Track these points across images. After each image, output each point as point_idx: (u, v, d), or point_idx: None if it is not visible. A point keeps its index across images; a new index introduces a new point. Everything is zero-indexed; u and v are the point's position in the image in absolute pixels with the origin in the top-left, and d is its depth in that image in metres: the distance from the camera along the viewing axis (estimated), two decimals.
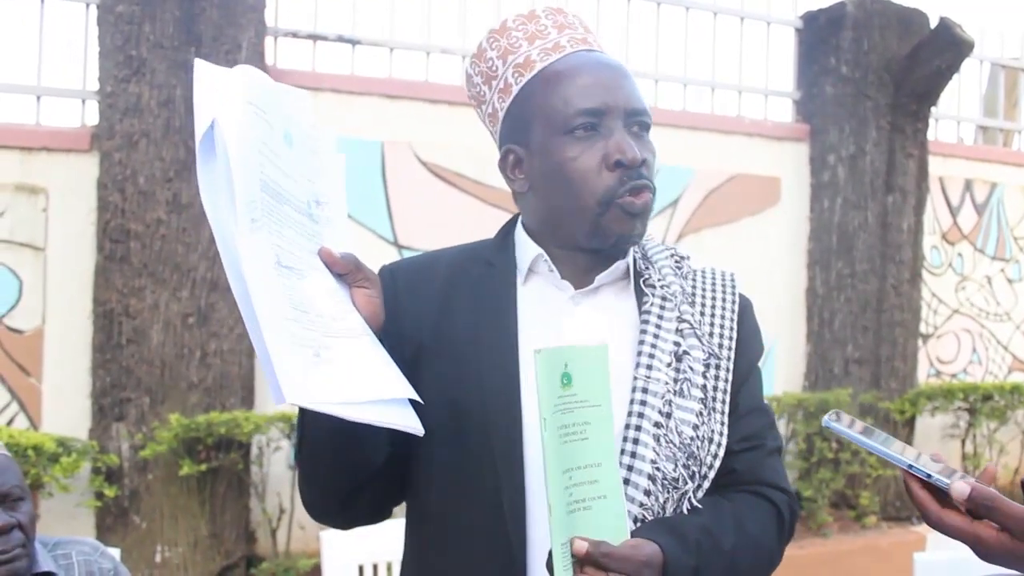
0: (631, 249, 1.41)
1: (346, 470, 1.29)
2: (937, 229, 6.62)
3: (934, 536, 3.02)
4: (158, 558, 4.09)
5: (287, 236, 1.13)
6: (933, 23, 5.82)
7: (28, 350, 4.23)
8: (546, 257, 1.37)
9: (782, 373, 5.90)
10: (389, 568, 2.64)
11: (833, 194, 5.96)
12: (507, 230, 1.47)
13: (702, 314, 1.39)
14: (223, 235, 1.07)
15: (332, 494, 1.34)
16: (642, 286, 1.39)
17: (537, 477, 1.25)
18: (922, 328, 6.36)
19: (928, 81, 5.84)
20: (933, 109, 6.21)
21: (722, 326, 1.39)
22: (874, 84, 5.90)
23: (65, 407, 4.23)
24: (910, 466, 1.05)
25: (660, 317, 1.36)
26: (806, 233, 6.08)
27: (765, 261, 5.89)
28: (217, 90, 1.08)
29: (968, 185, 6.80)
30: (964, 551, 1.06)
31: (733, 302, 1.42)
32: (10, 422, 4.16)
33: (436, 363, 1.35)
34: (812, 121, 6.10)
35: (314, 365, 1.07)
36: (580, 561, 1.09)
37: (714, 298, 1.42)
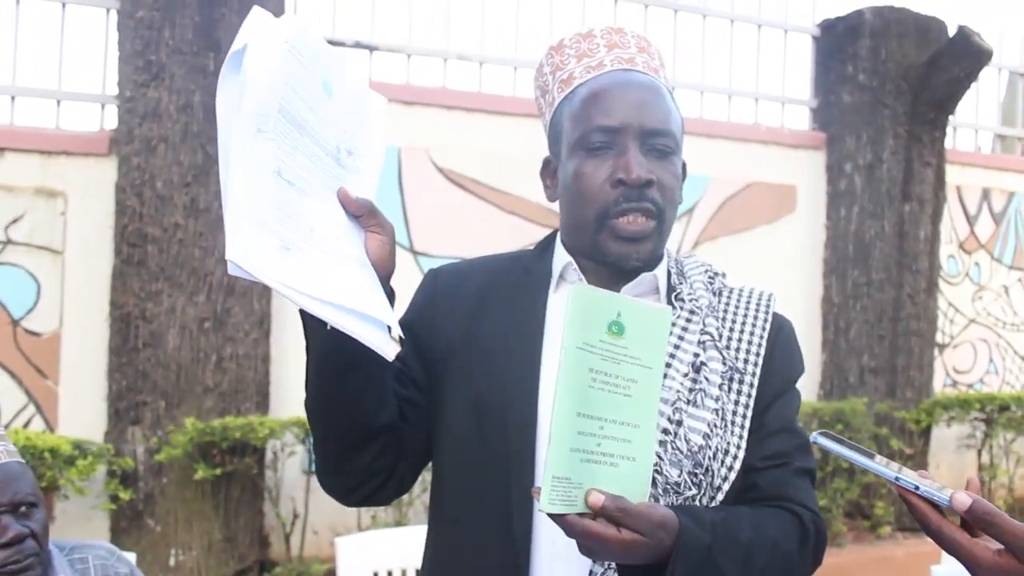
0: (664, 263, 1.44)
1: (344, 413, 1.30)
2: (954, 238, 6.59)
3: None
4: (172, 562, 4.10)
5: (299, 161, 1.15)
6: (951, 31, 5.80)
7: (45, 353, 4.25)
8: (575, 266, 1.41)
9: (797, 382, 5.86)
10: (404, 575, 2.64)
11: (850, 202, 5.95)
12: (550, 239, 1.51)
13: (731, 330, 1.40)
14: (225, 143, 1.09)
15: (332, 442, 1.35)
16: (673, 301, 1.41)
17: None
18: (938, 338, 6.32)
19: (946, 89, 5.82)
20: (951, 118, 6.18)
21: (749, 342, 1.39)
22: (891, 92, 5.88)
23: (81, 410, 4.25)
24: (897, 478, 1.05)
25: (684, 329, 1.37)
26: (822, 241, 6.06)
27: (781, 269, 5.87)
28: (259, 29, 1.13)
29: (986, 194, 6.77)
30: None
31: (765, 320, 1.42)
32: (27, 424, 4.18)
33: (464, 361, 1.40)
34: (829, 129, 6.08)
35: (281, 253, 1.07)
36: (595, 514, 1.08)
37: (745, 315, 1.42)
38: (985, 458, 6.15)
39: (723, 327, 1.40)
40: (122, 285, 4.19)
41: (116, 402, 4.19)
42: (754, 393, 1.36)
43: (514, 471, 1.31)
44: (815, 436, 1.10)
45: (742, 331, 1.40)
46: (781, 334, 1.44)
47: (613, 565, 1.25)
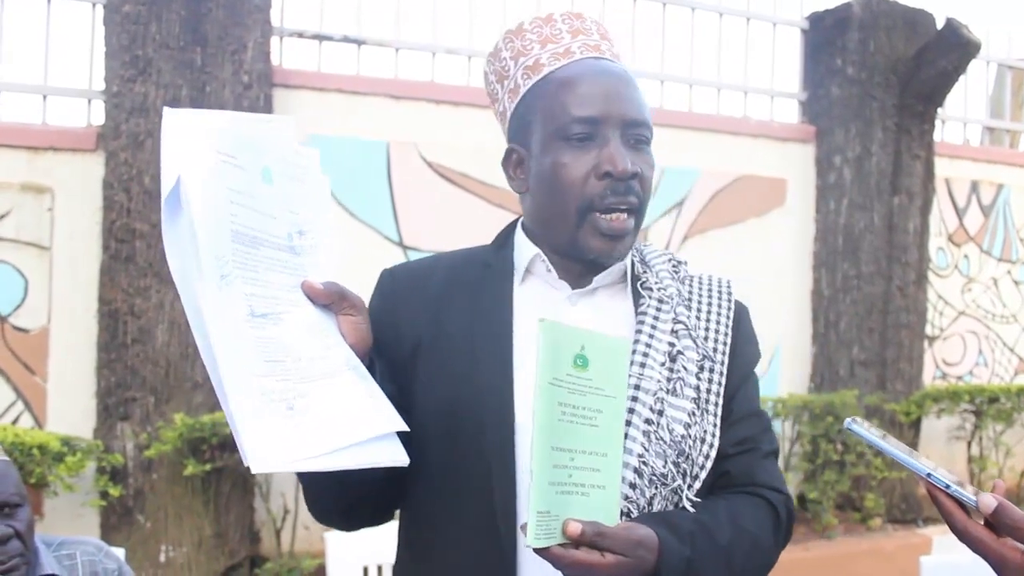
0: (629, 252, 1.43)
1: (343, 491, 1.30)
2: (943, 231, 6.61)
3: (940, 539, 3.01)
4: (162, 558, 4.09)
5: (263, 280, 1.13)
6: (939, 24, 5.81)
7: (33, 349, 4.23)
8: (543, 257, 1.39)
9: (787, 375, 5.89)
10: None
11: (839, 195, 5.96)
12: (507, 233, 1.49)
13: (698, 318, 1.41)
14: (189, 295, 1.07)
15: (332, 509, 1.38)
16: (639, 289, 1.41)
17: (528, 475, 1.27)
18: (928, 330, 6.34)
19: (934, 82, 5.83)
20: (939, 110, 6.19)
21: (716, 330, 1.41)
22: (880, 85, 5.89)
23: (70, 406, 4.23)
24: (929, 475, 1.04)
25: (656, 318, 1.37)
26: (812, 234, 6.07)
27: (771, 262, 5.88)
28: (185, 143, 1.07)
29: (974, 186, 6.79)
30: (971, 555, 1.06)
31: (728, 308, 1.44)
32: (15, 421, 4.17)
33: (432, 362, 1.37)
34: (818, 122, 6.09)
35: (287, 420, 1.08)
36: (575, 542, 1.10)
37: (709, 303, 1.44)
38: (975, 450, 6.18)
39: (692, 316, 1.40)
40: (110, 281, 4.17)
41: (105, 398, 4.17)
42: (724, 381, 1.37)
43: (495, 471, 1.29)
44: (848, 423, 1.10)
45: (708, 319, 1.41)
46: (743, 321, 1.46)
47: None
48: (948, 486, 1.04)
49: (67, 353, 4.25)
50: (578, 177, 1.32)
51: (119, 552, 2.10)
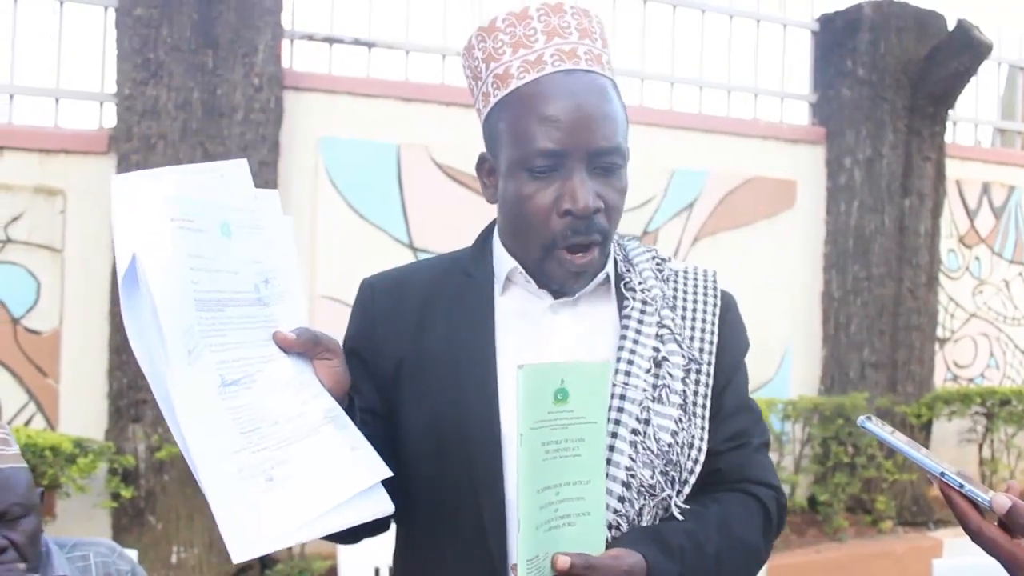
0: (612, 253, 1.40)
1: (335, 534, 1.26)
2: (954, 232, 6.58)
3: (951, 542, 3.01)
4: (174, 559, 4.10)
5: (232, 342, 1.10)
6: (951, 25, 5.79)
7: (46, 351, 4.25)
8: (521, 269, 1.36)
9: (798, 377, 5.87)
10: None
11: (849, 197, 5.94)
12: (484, 237, 1.46)
13: (683, 318, 1.37)
14: (157, 380, 1.03)
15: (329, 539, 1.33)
16: (623, 290, 1.38)
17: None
18: (939, 332, 6.32)
19: (945, 83, 5.81)
20: (950, 112, 6.17)
21: (703, 329, 1.37)
22: (891, 87, 5.87)
23: (82, 408, 4.25)
24: (942, 474, 1.04)
25: (640, 322, 1.34)
26: (822, 236, 6.05)
27: (781, 264, 5.86)
28: (137, 215, 1.03)
29: (986, 188, 6.76)
30: (983, 557, 1.06)
31: (715, 304, 1.41)
32: (28, 422, 4.18)
33: (416, 378, 1.35)
34: (828, 124, 6.07)
35: (266, 494, 1.05)
36: None
37: (695, 300, 1.40)
38: (986, 452, 6.16)
39: (677, 317, 1.37)
40: None
41: (117, 400, 4.19)
42: (711, 381, 1.35)
43: (482, 487, 1.28)
44: (862, 420, 1.09)
45: (694, 318, 1.38)
46: (729, 313, 1.43)
47: None
48: (962, 485, 1.03)
49: (79, 355, 4.27)
50: (540, 212, 1.27)
51: (132, 554, 2.10)
